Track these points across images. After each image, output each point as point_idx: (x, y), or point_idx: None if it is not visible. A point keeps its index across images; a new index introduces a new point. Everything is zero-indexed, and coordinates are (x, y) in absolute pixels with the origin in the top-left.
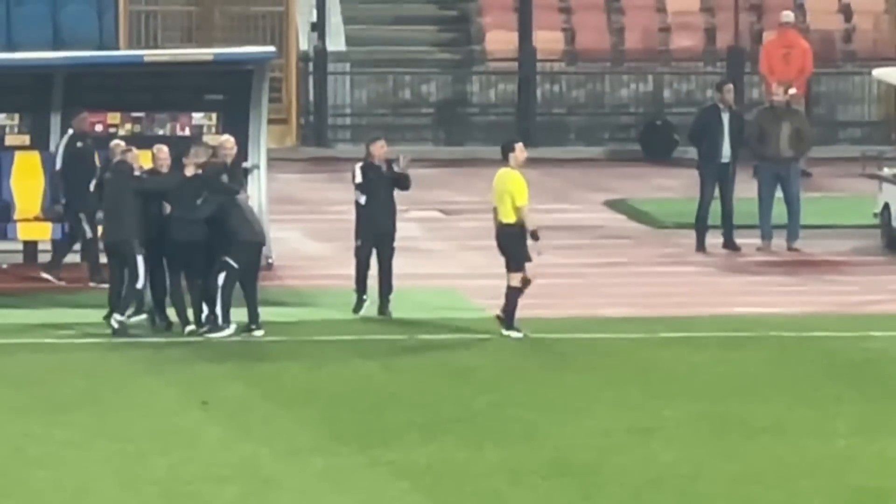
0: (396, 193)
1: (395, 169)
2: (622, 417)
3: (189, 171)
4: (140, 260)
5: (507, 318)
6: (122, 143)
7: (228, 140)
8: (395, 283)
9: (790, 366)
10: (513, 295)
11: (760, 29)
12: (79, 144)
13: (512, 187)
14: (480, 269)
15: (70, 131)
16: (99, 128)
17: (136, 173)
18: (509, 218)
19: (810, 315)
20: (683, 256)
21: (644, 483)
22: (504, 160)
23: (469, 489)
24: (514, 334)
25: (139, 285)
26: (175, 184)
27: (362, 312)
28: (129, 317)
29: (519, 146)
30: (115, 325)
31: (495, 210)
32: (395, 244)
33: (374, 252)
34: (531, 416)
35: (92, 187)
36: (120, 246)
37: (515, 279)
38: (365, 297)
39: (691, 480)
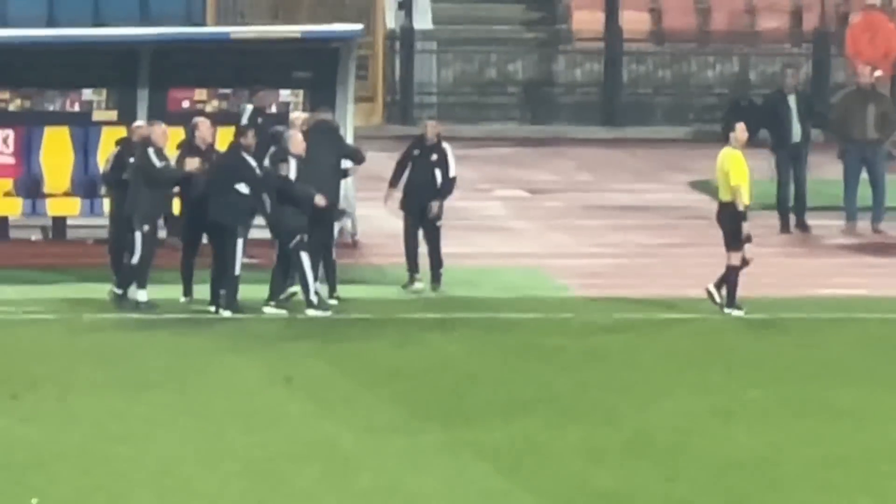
0: (480, 172)
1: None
2: (704, 399)
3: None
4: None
5: (728, 296)
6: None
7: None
8: (480, 262)
9: (874, 349)
10: (732, 274)
11: (846, 11)
12: (259, 120)
13: (729, 166)
14: (565, 248)
15: (250, 107)
16: (186, 104)
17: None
18: (728, 196)
19: (895, 298)
20: (767, 238)
21: (724, 465)
22: (725, 140)
23: (550, 470)
24: (735, 312)
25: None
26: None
27: (414, 288)
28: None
29: (740, 126)
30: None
31: (717, 188)
32: (481, 223)
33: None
34: (613, 397)
35: None
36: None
37: (735, 258)
38: (417, 275)
39: (772, 463)
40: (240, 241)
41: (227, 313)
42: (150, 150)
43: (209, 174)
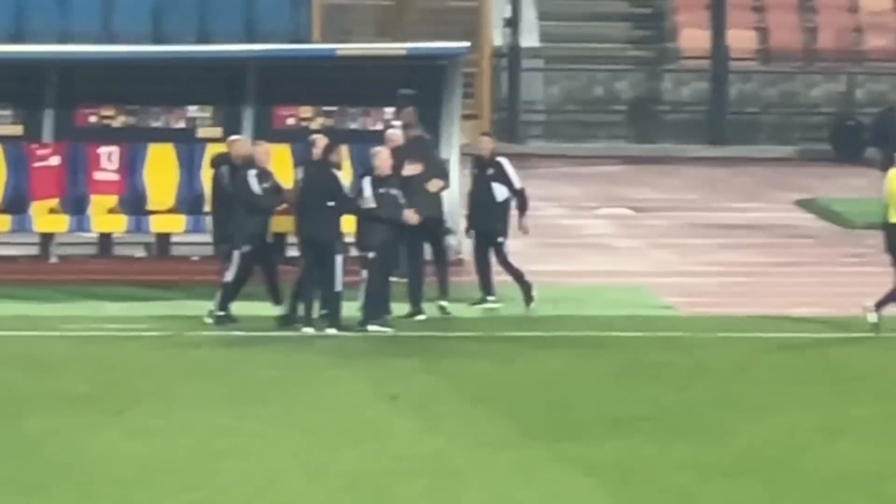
0: (586, 189)
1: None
2: (810, 416)
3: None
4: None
5: (881, 303)
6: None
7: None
8: (586, 280)
9: None
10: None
11: None
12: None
13: None
14: (671, 266)
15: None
16: (290, 121)
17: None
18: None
19: None
20: (873, 256)
21: (832, 482)
22: (890, 162)
23: (656, 486)
24: (871, 316)
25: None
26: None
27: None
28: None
29: None
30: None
31: (885, 209)
32: (586, 241)
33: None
34: (720, 413)
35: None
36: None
37: None
38: (490, 296)
39: (880, 480)
40: (339, 258)
41: (331, 331)
42: (251, 174)
43: (301, 192)
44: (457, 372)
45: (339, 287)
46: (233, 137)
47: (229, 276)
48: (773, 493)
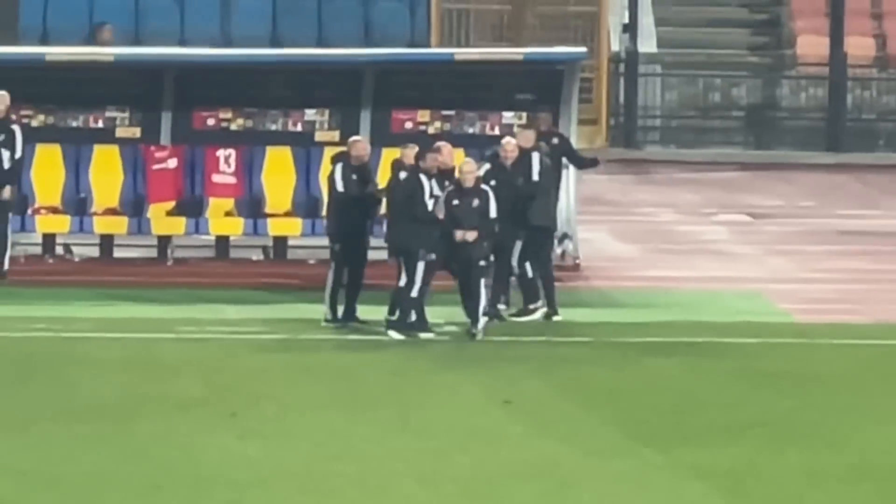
0: (703, 196)
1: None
2: None
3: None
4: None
5: None
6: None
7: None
8: (701, 285)
9: None
10: None
11: None
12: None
13: None
14: (787, 273)
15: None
16: (408, 125)
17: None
18: None
19: None
20: None
21: None
22: None
23: (769, 492)
24: None
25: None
26: None
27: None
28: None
29: None
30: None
31: None
32: (702, 246)
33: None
34: (834, 420)
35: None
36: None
37: None
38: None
39: None
40: (420, 265)
41: (395, 335)
42: (425, 182)
43: (390, 197)
44: (569, 377)
45: (415, 293)
46: (354, 138)
47: (414, 291)
48: (888, 501)
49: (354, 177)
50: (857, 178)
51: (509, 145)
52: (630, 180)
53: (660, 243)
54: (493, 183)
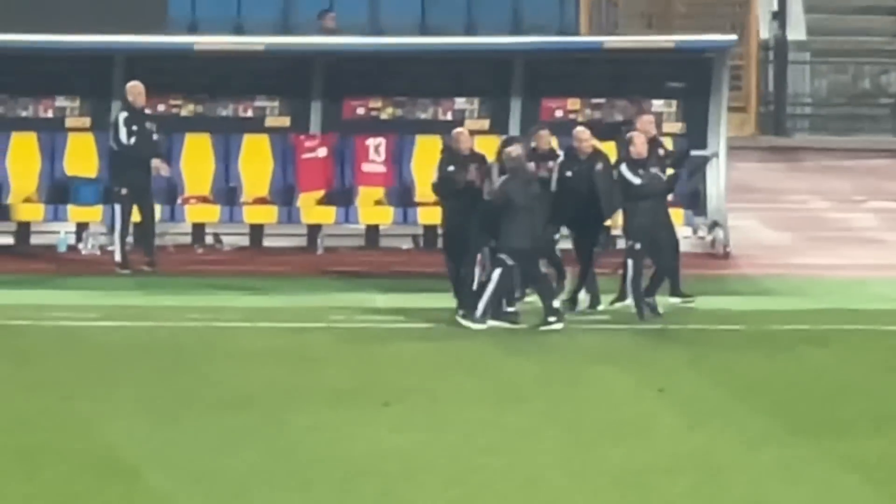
0: (853, 183)
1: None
2: None
3: None
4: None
5: None
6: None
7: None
8: (852, 273)
9: None
10: None
11: None
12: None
13: None
14: None
15: None
16: (558, 113)
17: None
18: None
19: None
20: None
21: None
22: None
23: None
24: None
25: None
26: None
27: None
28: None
29: None
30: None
31: None
32: (853, 234)
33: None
34: None
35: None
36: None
37: None
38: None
39: None
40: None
41: (468, 323)
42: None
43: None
44: (722, 367)
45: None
46: (457, 130)
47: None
48: None
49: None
50: None
51: (583, 134)
52: (779, 168)
53: (810, 231)
54: (568, 174)
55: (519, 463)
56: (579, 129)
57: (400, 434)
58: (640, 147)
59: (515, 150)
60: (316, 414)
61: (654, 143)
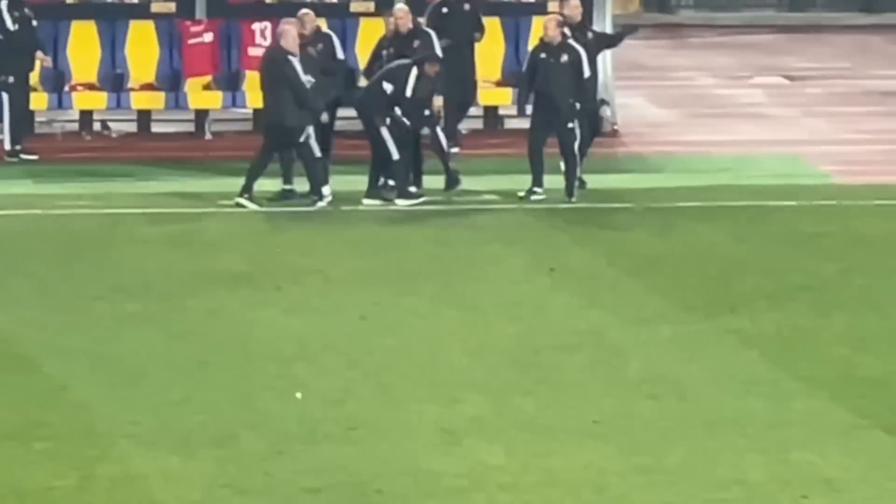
0: (739, 59)
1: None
2: None
3: None
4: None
5: None
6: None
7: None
8: (741, 149)
9: None
10: None
11: None
12: None
13: None
14: (825, 135)
15: None
16: None
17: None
18: None
19: None
20: None
21: None
22: None
23: (817, 357)
24: None
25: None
26: None
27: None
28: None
29: None
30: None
31: None
32: (740, 110)
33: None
34: (879, 283)
35: None
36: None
37: None
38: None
39: None
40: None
41: (401, 202)
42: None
43: None
44: (614, 245)
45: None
46: (303, 11)
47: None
48: None
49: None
50: (893, 38)
51: (550, 23)
52: (665, 45)
53: (697, 108)
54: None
55: (416, 343)
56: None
57: (296, 317)
58: (551, 32)
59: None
60: (213, 298)
61: (581, 27)
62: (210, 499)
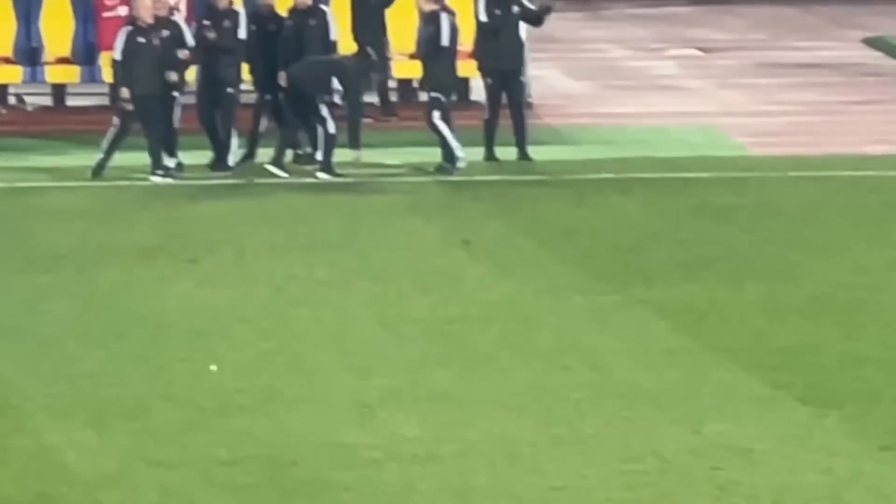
0: (653, 31)
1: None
2: (884, 254)
3: None
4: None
5: None
6: None
7: None
8: (655, 121)
9: None
10: None
11: None
12: None
13: None
14: (739, 106)
15: None
16: None
17: None
18: None
19: None
20: None
21: None
22: None
23: (730, 328)
24: None
25: None
26: None
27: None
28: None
29: None
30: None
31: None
32: (654, 82)
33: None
34: (792, 254)
35: None
36: None
37: None
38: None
39: None
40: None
41: (322, 175)
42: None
43: None
44: (528, 217)
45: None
46: None
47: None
48: (847, 334)
49: None
50: (806, 9)
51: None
52: (578, 17)
53: (611, 80)
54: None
55: (329, 315)
56: None
57: (210, 289)
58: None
59: None
60: (126, 270)
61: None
62: (125, 470)
